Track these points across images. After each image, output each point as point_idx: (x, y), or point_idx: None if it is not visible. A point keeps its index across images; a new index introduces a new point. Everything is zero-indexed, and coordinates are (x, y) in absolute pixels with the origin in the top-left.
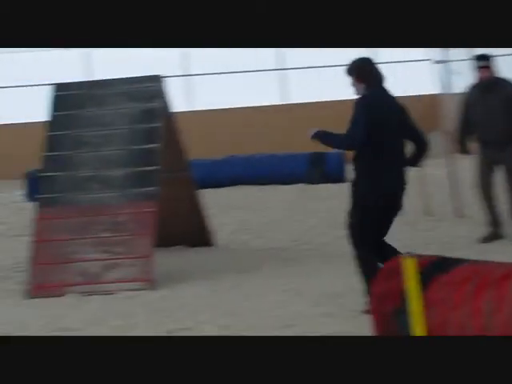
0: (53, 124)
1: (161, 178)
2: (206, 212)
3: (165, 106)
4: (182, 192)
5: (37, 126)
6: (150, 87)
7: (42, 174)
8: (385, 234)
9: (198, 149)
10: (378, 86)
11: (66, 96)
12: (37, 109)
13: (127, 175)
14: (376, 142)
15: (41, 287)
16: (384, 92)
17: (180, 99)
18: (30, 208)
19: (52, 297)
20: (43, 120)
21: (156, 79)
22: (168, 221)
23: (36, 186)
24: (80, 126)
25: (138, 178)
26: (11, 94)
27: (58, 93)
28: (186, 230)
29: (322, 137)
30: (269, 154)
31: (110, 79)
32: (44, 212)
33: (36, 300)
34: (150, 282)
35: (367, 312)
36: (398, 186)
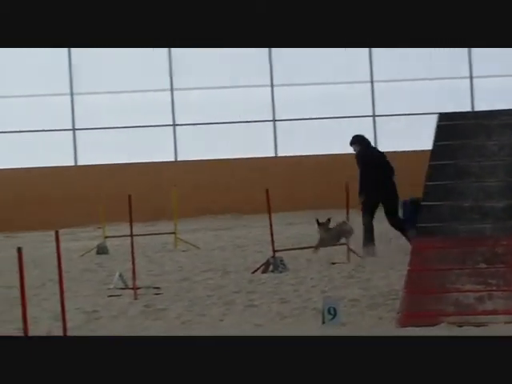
0: (436, 153)
1: None
2: None
3: None
4: None
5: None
6: None
7: (424, 203)
8: None
9: None
10: None
11: (450, 126)
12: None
13: (507, 207)
14: None
15: (413, 316)
16: None
17: None
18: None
19: (423, 326)
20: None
21: None
22: None
23: (411, 215)
24: (464, 156)
25: None
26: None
27: (442, 123)
28: None
29: None
30: None
31: (495, 110)
32: (423, 241)
33: (407, 329)
34: None
35: None
36: None
